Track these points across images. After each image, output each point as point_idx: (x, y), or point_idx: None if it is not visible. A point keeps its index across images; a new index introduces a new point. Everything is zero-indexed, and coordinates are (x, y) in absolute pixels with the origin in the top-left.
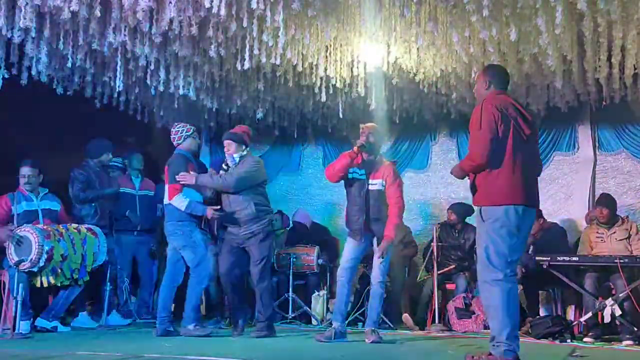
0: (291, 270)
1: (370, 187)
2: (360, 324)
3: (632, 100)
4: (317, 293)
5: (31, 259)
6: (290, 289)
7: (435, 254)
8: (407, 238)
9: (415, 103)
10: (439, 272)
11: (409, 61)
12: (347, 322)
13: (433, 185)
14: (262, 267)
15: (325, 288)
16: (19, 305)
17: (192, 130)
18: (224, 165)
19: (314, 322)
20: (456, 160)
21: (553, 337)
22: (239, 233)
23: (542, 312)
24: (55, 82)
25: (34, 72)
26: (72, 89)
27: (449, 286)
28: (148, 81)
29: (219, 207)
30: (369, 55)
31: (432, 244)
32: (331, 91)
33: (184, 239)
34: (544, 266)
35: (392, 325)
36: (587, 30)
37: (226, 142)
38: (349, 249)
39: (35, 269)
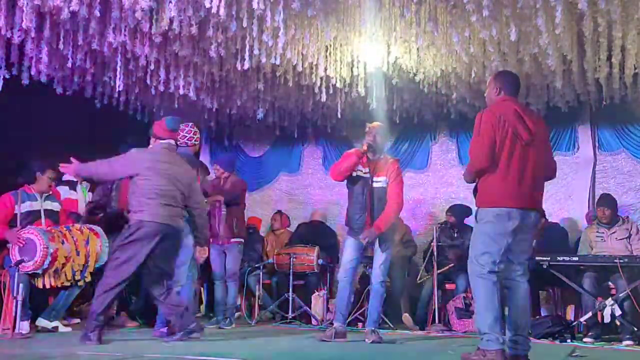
0: (291, 270)
1: (375, 185)
2: (360, 324)
3: (632, 100)
4: (317, 293)
5: (36, 261)
6: (291, 289)
7: (435, 254)
8: (407, 238)
9: (415, 103)
10: (438, 271)
11: (409, 61)
12: (347, 321)
13: (433, 185)
14: None
15: (325, 288)
16: (19, 305)
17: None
18: None
19: (313, 322)
20: (456, 160)
21: (553, 337)
22: None
23: (542, 312)
24: (55, 82)
25: (33, 72)
26: (72, 89)
27: (449, 286)
28: (148, 81)
29: None
30: (369, 55)
31: (432, 244)
32: (331, 91)
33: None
34: (544, 266)
35: (392, 325)
36: (587, 30)
37: None
38: (349, 249)
39: (39, 271)
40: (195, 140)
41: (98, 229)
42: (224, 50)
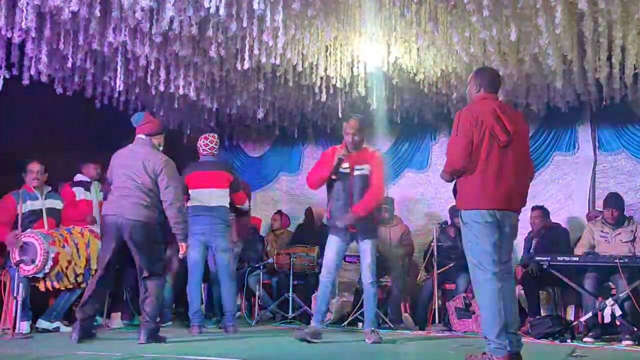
0: (291, 270)
1: (356, 173)
2: (360, 323)
3: (632, 100)
4: (317, 293)
5: (36, 265)
6: (291, 289)
7: (435, 254)
8: (406, 238)
9: (415, 103)
10: (438, 271)
11: (409, 61)
12: (347, 321)
13: (433, 185)
14: None
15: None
16: (19, 305)
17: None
18: None
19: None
20: None
21: (553, 337)
22: None
23: (542, 312)
24: (56, 82)
25: (34, 72)
26: (72, 89)
27: (449, 286)
28: (148, 81)
29: None
30: (369, 55)
31: (432, 244)
32: (331, 91)
33: (227, 242)
34: (544, 266)
35: (392, 325)
36: (587, 30)
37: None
38: (332, 248)
39: (40, 275)
40: (211, 150)
41: (99, 231)
42: (224, 50)
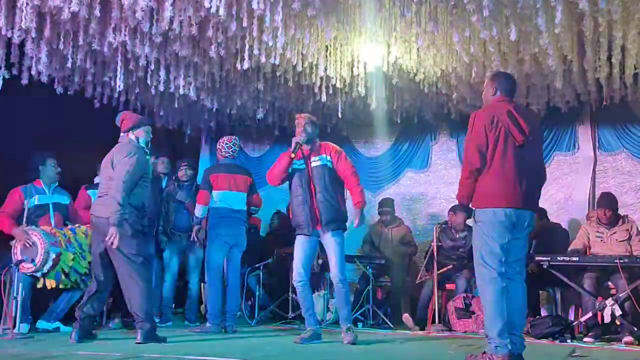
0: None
1: (313, 165)
2: (360, 324)
3: (632, 100)
4: (317, 293)
5: (36, 264)
6: (291, 289)
7: (435, 254)
8: (407, 237)
9: (415, 103)
10: (438, 271)
11: (409, 61)
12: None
13: (433, 185)
14: None
15: (325, 288)
16: (19, 306)
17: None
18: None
19: None
20: (456, 160)
21: (553, 337)
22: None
23: (542, 312)
24: (56, 82)
25: (34, 72)
26: (73, 89)
27: (449, 286)
28: (148, 81)
29: None
30: (369, 55)
31: (432, 244)
32: (331, 91)
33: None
34: (544, 266)
35: (392, 325)
36: (587, 30)
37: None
38: (299, 248)
39: (38, 274)
40: (233, 152)
41: None
42: (224, 50)
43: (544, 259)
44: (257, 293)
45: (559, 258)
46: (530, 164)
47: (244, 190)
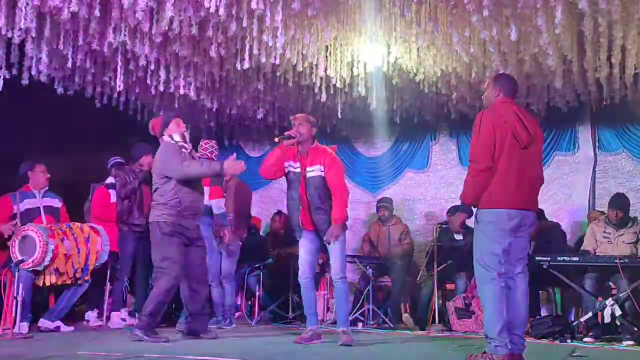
0: (291, 270)
1: (308, 175)
2: (360, 323)
3: (632, 100)
4: (317, 293)
5: (35, 258)
6: (291, 289)
7: (435, 254)
8: (405, 237)
9: (415, 103)
10: (438, 268)
11: (409, 61)
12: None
13: (433, 185)
14: None
15: (325, 288)
16: (19, 305)
17: None
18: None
19: None
20: (456, 160)
21: (553, 337)
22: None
23: (542, 312)
24: (56, 82)
25: (34, 72)
26: (73, 89)
27: (449, 286)
28: (148, 81)
29: None
30: (369, 55)
31: (432, 244)
32: (331, 91)
33: None
34: (544, 266)
35: (392, 325)
36: (587, 30)
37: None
38: (302, 249)
39: (40, 268)
40: (211, 154)
41: (99, 227)
42: (224, 50)
43: (544, 259)
44: (257, 293)
45: (559, 258)
46: (532, 165)
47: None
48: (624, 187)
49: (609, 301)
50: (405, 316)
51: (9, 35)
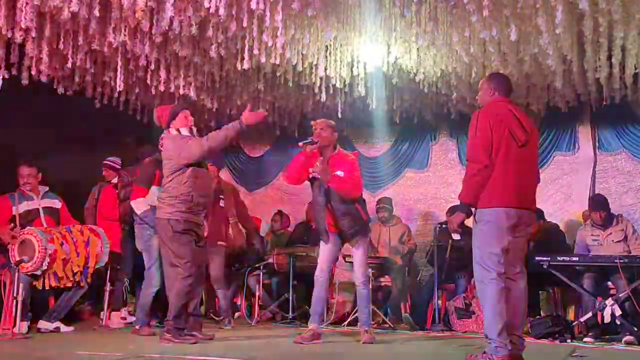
0: (291, 271)
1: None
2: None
3: (632, 100)
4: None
5: (34, 262)
6: (291, 289)
7: (435, 254)
8: (406, 238)
9: (415, 103)
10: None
11: (409, 61)
12: (347, 321)
13: (433, 185)
14: None
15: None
16: (19, 305)
17: None
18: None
19: None
20: (456, 160)
21: (553, 337)
22: None
23: (542, 312)
24: (56, 82)
25: (34, 72)
26: (73, 88)
27: (449, 286)
28: (148, 81)
29: None
30: (369, 55)
31: (432, 244)
32: (331, 91)
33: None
34: (544, 266)
35: (392, 325)
36: (588, 30)
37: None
38: (322, 251)
39: (38, 272)
40: None
41: (99, 230)
42: (224, 50)
43: (544, 259)
44: (257, 293)
45: (559, 258)
46: (529, 164)
47: None
48: (624, 187)
49: (609, 301)
50: (405, 316)
51: (9, 35)
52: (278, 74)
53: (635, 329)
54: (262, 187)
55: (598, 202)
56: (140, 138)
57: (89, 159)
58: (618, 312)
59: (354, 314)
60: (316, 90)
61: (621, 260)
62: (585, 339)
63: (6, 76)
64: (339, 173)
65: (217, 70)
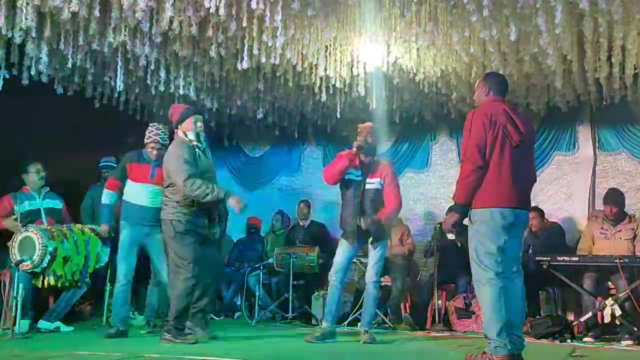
0: (291, 271)
1: (367, 187)
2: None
3: (632, 100)
4: (317, 293)
5: (34, 260)
6: (291, 289)
7: (435, 254)
8: (406, 238)
9: (415, 103)
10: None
11: (409, 61)
12: (347, 321)
13: (433, 185)
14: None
15: (325, 288)
16: (19, 305)
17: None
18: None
19: (313, 322)
20: (456, 160)
21: (553, 337)
22: None
23: (542, 312)
24: (56, 82)
25: (34, 72)
26: (73, 89)
27: (449, 286)
28: (148, 81)
29: None
30: (369, 55)
31: (432, 244)
32: (331, 91)
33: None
34: (544, 266)
35: (392, 325)
36: (588, 30)
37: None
38: (342, 251)
39: (38, 270)
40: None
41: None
42: (224, 50)
43: (544, 259)
44: (257, 293)
45: (559, 258)
46: (524, 164)
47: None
48: (623, 187)
49: (609, 301)
50: (405, 316)
51: (9, 35)
52: (278, 74)
53: (635, 329)
54: (262, 187)
55: (611, 197)
56: (141, 138)
57: (89, 159)
58: (618, 312)
59: (354, 313)
60: (316, 90)
61: (621, 260)
62: (585, 339)
63: (6, 76)
64: (378, 181)
65: (217, 70)
